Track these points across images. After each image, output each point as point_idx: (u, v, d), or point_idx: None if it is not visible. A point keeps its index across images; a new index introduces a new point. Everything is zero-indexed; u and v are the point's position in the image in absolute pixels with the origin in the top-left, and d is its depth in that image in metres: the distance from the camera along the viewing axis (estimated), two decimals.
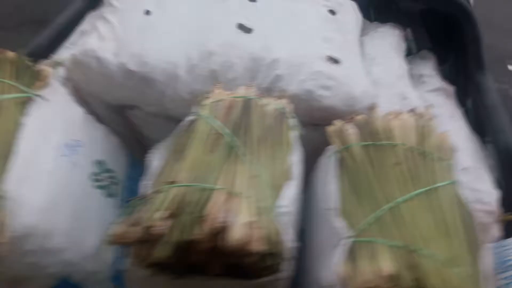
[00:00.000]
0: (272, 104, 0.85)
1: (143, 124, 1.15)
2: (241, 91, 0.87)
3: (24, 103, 0.82)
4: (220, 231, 0.59)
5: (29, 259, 0.73)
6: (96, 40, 1.07)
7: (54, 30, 1.31)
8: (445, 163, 0.82)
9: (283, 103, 0.88)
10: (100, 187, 0.94)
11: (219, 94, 0.86)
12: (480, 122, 1.30)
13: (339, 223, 0.73)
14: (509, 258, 0.87)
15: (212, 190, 0.64)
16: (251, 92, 0.87)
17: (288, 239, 0.67)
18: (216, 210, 0.61)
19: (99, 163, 0.98)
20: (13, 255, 0.70)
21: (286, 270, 0.67)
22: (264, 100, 0.86)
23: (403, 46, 1.42)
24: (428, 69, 1.41)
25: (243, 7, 1.17)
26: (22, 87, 0.83)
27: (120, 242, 0.62)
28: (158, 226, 0.59)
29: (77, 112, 0.97)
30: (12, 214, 0.69)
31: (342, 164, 0.83)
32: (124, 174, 1.06)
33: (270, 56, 1.04)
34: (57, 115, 0.89)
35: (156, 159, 0.81)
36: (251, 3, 1.18)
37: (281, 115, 0.85)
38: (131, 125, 1.17)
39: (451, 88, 1.35)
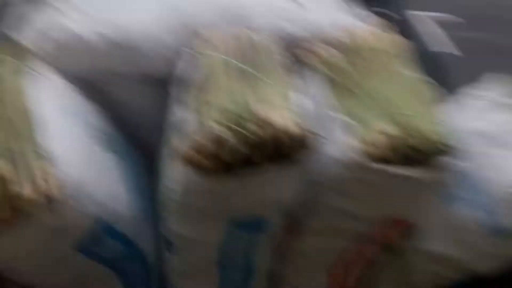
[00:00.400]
0: (259, 37, 0.98)
1: (119, 91, 1.15)
2: (232, 31, 0.97)
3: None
4: (266, 126, 0.72)
5: (76, 205, 0.77)
6: (66, 18, 1.03)
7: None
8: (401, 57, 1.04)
9: (267, 36, 1.00)
10: (103, 146, 0.98)
11: (215, 36, 0.95)
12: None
13: (335, 114, 0.91)
14: None
15: (248, 102, 0.76)
16: (243, 31, 0.98)
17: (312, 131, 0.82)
18: (259, 112, 0.73)
19: (93, 125, 1.00)
20: (62, 206, 0.74)
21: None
22: (252, 35, 0.97)
23: None
24: None
25: None
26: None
27: (193, 159, 0.71)
28: (220, 134, 0.70)
29: (63, 83, 0.97)
30: (54, 169, 0.72)
31: (320, 75, 1.00)
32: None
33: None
34: (52, 86, 0.90)
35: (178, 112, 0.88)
36: None
37: (269, 44, 0.98)
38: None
39: None
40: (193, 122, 0.75)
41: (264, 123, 0.72)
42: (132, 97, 1.18)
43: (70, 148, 0.79)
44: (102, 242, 0.84)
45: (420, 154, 0.83)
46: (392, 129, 0.82)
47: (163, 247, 0.98)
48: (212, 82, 0.82)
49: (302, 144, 0.78)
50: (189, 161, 0.73)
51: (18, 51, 0.91)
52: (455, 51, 1.78)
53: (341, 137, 0.84)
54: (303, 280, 1.18)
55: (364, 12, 1.34)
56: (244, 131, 0.71)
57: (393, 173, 0.81)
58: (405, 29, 1.53)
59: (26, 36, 1.07)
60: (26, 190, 0.64)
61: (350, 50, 1.01)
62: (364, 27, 1.08)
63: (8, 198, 0.64)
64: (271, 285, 1.19)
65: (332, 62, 1.00)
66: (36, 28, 1.05)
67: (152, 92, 1.20)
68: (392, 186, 0.85)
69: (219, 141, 0.70)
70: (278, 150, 0.76)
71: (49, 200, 0.68)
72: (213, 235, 0.87)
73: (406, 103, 0.90)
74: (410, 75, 0.99)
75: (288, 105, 0.82)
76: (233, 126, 0.71)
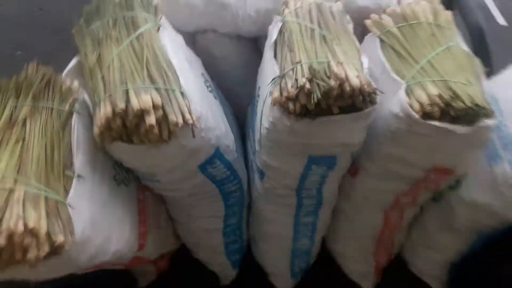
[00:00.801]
0: (334, 6, 1.20)
1: (212, 45, 1.46)
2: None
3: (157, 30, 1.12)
4: (343, 82, 0.97)
5: (202, 134, 1.07)
6: None
7: None
8: (451, 30, 1.22)
9: (339, 5, 1.23)
10: (209, 91, 1.27)
11: (294, 3, 1.19)
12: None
13: (395, 77, 1.12)
14: None
15: (328, 62, 1.00)
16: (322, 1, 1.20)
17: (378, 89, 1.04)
18: (337, 71, 0.97)
19: (202, 75, 1.30)
20: (198, 134, 1.03)
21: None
22: (328, 4, 1.20)
23: None
24: None
25: None
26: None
27: (281, 104, 0.98)
28: (307, 87, 0.95)
29: (179, 36, 1.27)
30: (184, 102, 1.00)
31: (383, 43, 1.21)
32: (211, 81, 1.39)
33: None
34: (176, 39, 1.19)
35: (266, 61, 1.15)
36: None
37: (341, 13, 1.20)
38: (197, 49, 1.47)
39: None
40: (288, 77, 1.01)
41: (342, 81, 0.96)
42: (226, 52, 1.48)
43: (196, 91, 1.08)
44: (215, 165, 1.14)
45: (466, 115, 1.03)
46: (446, 94, 1.03)
47: (255, 175, 1.28)
48: (300, 45, 1.06)
49: (370, 99, 1.02)
50: (281, 106, 0.99)
51: (150, 7, 1.16)
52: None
53: (401, 96, 1.06)
54: (360, 217, 1.44)
55: None
56: (325, 85, 0.96)
57: (442, 128, 1.02)
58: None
59: None
60: (178, 119, 0.94)
61: (412, 23, 1.20)
62: (424, 2, 1.25)
63: (166, 124, 0.95)
64: (334, 216, 1.46)
65: (394, 33, 1.20)
66: None
67: (244, 49, 1.48)
68: (441, 139, 1.06)
69: (308, 93, 0.96)
70: (350, 103, 1.00)
71: (192, 128, 0.98)
72: (295, 167, 1.14)
73: (457, 73, 1.09)
74: (458, 48, 1.17)
75: (359, 67, 1.05)
76: (320, 82, 0.96)
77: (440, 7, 1.25)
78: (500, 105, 1.30)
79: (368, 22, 1.28)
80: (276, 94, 1.00)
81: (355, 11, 1.34)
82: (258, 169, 1.23)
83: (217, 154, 1.13)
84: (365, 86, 0.97)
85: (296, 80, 0.98)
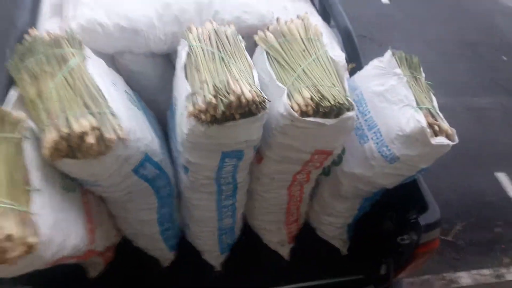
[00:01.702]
0: (228, 30, 1.50)
1: (130, 64, 1.70)
2: (209, 25, 1.49)
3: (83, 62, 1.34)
4: (239, 96, 1.27)
5: (132, 144, 1.32)
6: (88, 9, 1.55)
7: (27, 8, 1.69)
8: (320, 42, 1.59)
9: (232, 28, 1.53)
10: (134, 105, 1.52)
11: (196, 30, 1.48)
12: (327, 14, 2.13)
13: (279, 84, 1.46)
14: None
15: (227, 80, 1.30)
16: (214, 25, 1.50)
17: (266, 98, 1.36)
18: (234, 87, 1.28)
19: (125, 91, 1.54)
20: (128, 145, 1.29)
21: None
22: (223, 28, 1.50)
23: None
24: None
25: None
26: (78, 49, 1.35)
27: (195, 116, 1.27)
28: (213, 102, 1.25)
29: (101, 62, 1.50)
30: (115, 120, 1.25)
31: (268, 56, 1.54)
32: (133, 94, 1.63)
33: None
34: (98, 63, 1.43)
35: (179, 78, 1.42)
36: None
37: (234, 35, 1.51)
38: (118, 66, 1.71)
39: None
40: (198, 94, 1.29)
41: (239, 96, 1.27)
42: (143, 69, 1.73)
43: (123, 109, 1.32)
44: (146, 167, 1.41)
45: (332, 111, 1.39)
46: (316, 96, 1.38)
47: (181, 170, 1.57)
48: (204, 66, 1.34)
49: (261, 106, 1.34)
50: (195, 117, 1.28)
51: (75, 42, 1.38)
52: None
53: (284, 100, 1.39)
54: (269, 195, 1.79)
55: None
56: (226, 100, 1.26)
57: (315, 122, 1.38)
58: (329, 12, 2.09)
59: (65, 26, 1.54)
60: (112, 136, 1.18)
61: (289, 38, 1.53)
62: (297, 20, 1.59)
63: (102, 141, 1.19)
64: (249, 197, 1.80)
65: (276, 47, 1.53)
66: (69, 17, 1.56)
67: (157, 64, 1.74)
68: (316, 130, 1.41)
69: (213, 106, 1.25)
70: (247, 110, 1.32)
71: (123, 141, 1.23)
72: (213, 162, 1.44)
73: (324, 77, 1.44)
74: (325, 56, 1.52)
75: (251, 80, 1.36)
76: (222, 98, 1.26)
77: (310, 23, 1.61)
78: (364, 95, 1.71)
79: (256, 38, 1.60)
80: (191, 108, 1.28)
81: (245, 29, 1.67)
82: (182, 166, 1.52)
83: (147, 158, 1.40)
84: (256, 97, 1.29)
85: (204, 96, 1.28)
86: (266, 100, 1.34)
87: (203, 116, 1.27)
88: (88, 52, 1.42)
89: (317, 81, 1.43)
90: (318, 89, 1.40)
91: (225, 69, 1.36)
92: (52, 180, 1.24)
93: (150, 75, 1.77)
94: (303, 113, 1.37)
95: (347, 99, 1.42)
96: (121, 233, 1.77)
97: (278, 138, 1.48)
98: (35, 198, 1.12)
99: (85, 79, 1.28)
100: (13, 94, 1.32)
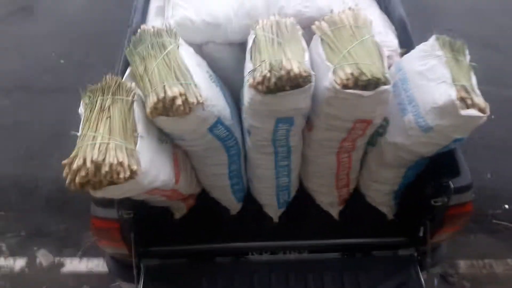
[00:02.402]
0: (287, 21, 1.86)
1: (213, 51, 2.14)
2: (272, 18, 1.86)
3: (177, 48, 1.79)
4: (289, 71, 1.62)
5: (208, 109, 1.75)
6: (182, 9, 2.01)
7: (140, 10, 2.23)
8: (367, 29, 1.86)
9: (292, 19, 1.88)
10: (213, 81, 1.95)
11: (262, 22, 1.85)
12: (386, 8, 2.37)
13: (327, 63, 1.77)
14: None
15: (281, 59, 1.66)
16: (276, 17, 1.86)
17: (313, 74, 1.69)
18: (286, 64, 1.63)
19: (207, 71, 1.98)
20: (206, 108, 1.71)
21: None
22: (283, 20, 1.86)
23: None
24: None
25: None
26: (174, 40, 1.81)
27: (256, 86, 1.64)
28: (268, 76, 1.61)
29: (190, 49, 1.95)
30: (196, 90, 1.69)
31: (322, 41, 1.86)
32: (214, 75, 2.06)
33: None
34: (188, 50, 1.88)
35: (246, 60, 1.82)
36: None
37: (293, 25, 1.86)
38: (203, 54, 2.16)
39: None
40: (257, 70, 1.67)
41: (288, 71, 1.61)
42: (222, 55, 2.15)
43: (203, 83, 1.75)
44: (218, 128, 1.83)
45: (370, 84, 1.67)
46: (356, 72, 1.67)
47: (246, 134, 1.97)
48: (264, 49, 1.72)
49: (308, 79, 1.67)
50: (254, 88, 1.66)
51: (173, 34, 1.85)
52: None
53: (330, 75, 1.70)
54: (320, 160, 2.11)
55: None
56: (279, 74, 1.62)
57: (354, 93, 1.67)
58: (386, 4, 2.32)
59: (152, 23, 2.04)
60: (194, 100, 1.62)
61: (339, 26, 1.84)
62: (348, 11, 1.88)
63: (187, 103, 1.62)
64: (304, 161, 2.14)
65: (328, 34, 1.84)
66: (172, 19, 2.03)
67: (234, 51, 2.16)
68: (356, 100, 1.70)
69: (268, 79, 1.62)
70: (296, 83, 1.66)
71: (202, 104, 1.66)
72: (269, 125, 1.81)
73: (366, 57, 1.72)
74: (370, 40, 1.80)
75: (302, 60, 1.70)
76: (274, 71, 1.62)
77: (360, 14, 1.89)
78: (407, 74, 1.94)
79: (313, 27, 1.93)
80: (251, 81, 1.67)
81: (305, 20, 2.00)
82: (247, 129, 1.91)
83: (219, 121, 1.82)
84: (303, 73, 1.63)
85: (261, 71, 1.65)
86: (312, 75, 1.67)
87: (260, 87, 1.65)
88: (181, 41, 1.87)
89: (359, 60, 1.70)
90: (358, 66, 1.68)
91: (281, 51, 1.72)
92: (152, 132, 1.72)
93: (228, 60, 2.19)
94: (345, 86, 1.67)
95: (384, 75, 1.68)
96: (200, 185, 2.23)
97: (325, 109, 1.79)
98: (139, 141, 1.59)
99: (178, 60, 1.73)
100: (128, 71, 1.82)
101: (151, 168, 1.63)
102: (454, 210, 1.84)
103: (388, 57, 2.07)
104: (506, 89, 4.20)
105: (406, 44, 2.21)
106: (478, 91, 1.79)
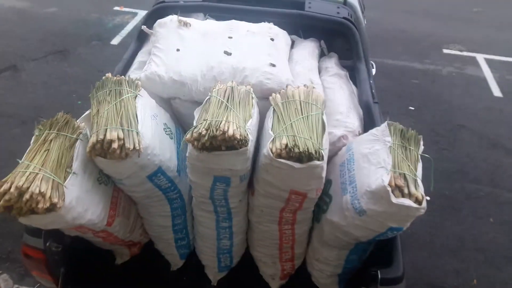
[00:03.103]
0: (242, 88, 1.96)
1: (179, 107, 2.26)
2: (229, 83, 1.97)
3: (135, 98, 1.92)
4: (224, 133, 1.69)
5: (149, 157, 1.82)
6: (155, 67, 2.18)
7: (123, 63, 2.43)
8: (316, 105, 1.92)
9: (248, 87, 1.98)
10: (167, 134, 2.04)
11: (219, 86, 1.97)
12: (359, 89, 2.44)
13: (270, 132, 1.82)
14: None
15: (221, 121, 1.73)
16: (234, 84, 1.97)
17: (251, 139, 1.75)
18: (223, 126, 1.70)
19: (165, 124, 2.08)
20: (145, 156, 1.79)
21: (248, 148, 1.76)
22: (239, 87, 1.96)
23: (317, 51, 2.54)
24: (331, 63, 2.53)
25: (226, 42, 2.28)
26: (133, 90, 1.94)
27: (192, 142, 1.71)
28: (202, 134, 1.69)
29: (152, 101, 2.08)
30: (137, 137, 1.77)
31: (274, 112, 1.93)
32: (174, 129, 2.16)
33: (241, 65, 2.15)
34: (147, 102, 2.00)
35: (196, 115, 1.91)
36: (229, 39, 2.29)
37: (247, 92, 1.95)
38: (172, 108, 2.29)
39: (342, 72, 2.47)
40: (197, 128, 1.75)
41: (224, 132, 1.68)
42: (188, 111, 2.25)
43: (150, 132, 1.84)
44: (159, 178, 1.88)
45: (304, 157, 1.69)
46: (290, 143, 1.71)
47: (189, 189, 2.00)
48: (211, 110, 1.81)
49: (243, 143, 1.72)
50: (191, 143, 1.73)
51: (133, 84, 2.00)
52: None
53: (268, 144, 1.75)
54: (262, 227, 2.08)
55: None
56: (213, 134, 1.68)
57: (285, 163, 1.69)
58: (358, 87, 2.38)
59: (132, 75, 2.21)
60: (131, 146, 1.70)
61: (290, 100, 1.91)
62: (302, 88, 1.96)
63: (124, 150, 1.71)
64: (249, 228, 2.12)
65: (279, 105, 1.91)
66: (143, 72, 2.20)
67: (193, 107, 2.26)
68: (289, 171, 1.72)
69: (203, 136, 1.69)
70: (232, 145, 1.71)
71: (140, 152, 1.74)
72: (206, 182, 1.84)
73: (305, 131, 1.76)
74: (317, 116, 1.85)
75: (243, 125, 1.77)
76: (210, 131, 1.69)
77: (313, 91, 1.96)
78: (354, 155, 1.95)
79: (270, 98, 2.01)
80: (188, 136, 1.74)
81: (266, 90, 2.10)
82: (189, 184, 1.95)
83: (160, 171, 1.88)
84: (237, 136, 1.69)
85: (199, 129, 1.73)
86: (249, 140, 1.72)
87: (196, 143, 1.72)
88: (143, 93, 2.01)
89: (298, 133, 1.75)
90: (295, 138, 1.73)
91: (226, 114, 1.80)
92: (89, 171, 1.80)
93: (193, 116, 2.29)
94: (279, 156, 1.70)
95: (319, 151, 1.70)
96: (147, 235, 2.25)
97: (263, 174, 1.82)
98: (70, 177, 1.67)
99: (129, 108, 1.85)
100: (86, 113, 1.96)
101: (77, 205, 1.69)
102: None
103: (343, 136, 2.12)
104: (509, 192, 4.03)
105: (371, 127, 2.23)
106: (420, 183, 1.75)
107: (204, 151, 1.72)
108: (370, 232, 1.83)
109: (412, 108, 5.06)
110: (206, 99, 1.94)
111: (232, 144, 1.70)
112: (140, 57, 2.48)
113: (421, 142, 1.93)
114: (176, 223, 2.12)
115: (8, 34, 5.76)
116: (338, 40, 2.61)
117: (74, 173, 1.71)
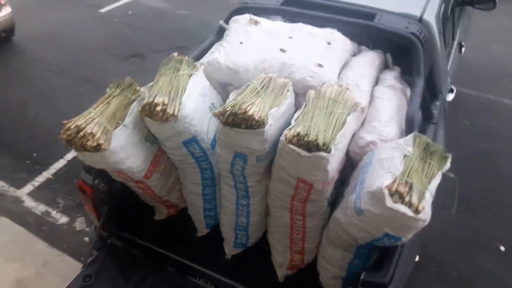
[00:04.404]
0: (280, 80, 2.13)
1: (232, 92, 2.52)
2: (271, 75, 2.16)
3: (189, 76, 2.24)
4: (244, 113, 1.88)
5: (185, 124, 2.10)
6: (218, 54, 2.48)
7: (199, 50, 2.78)
8: (343, 104, 1.98)
9: (287, 80, 2.14)
10: (211, 111, 2.30)
11: (262, 76, 2.17)
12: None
13: (292, 121, 1.95)
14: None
15: (246, 103, 1.93)
16: (274, 75, 2.15)
17: (271, 123, 1.91)
18: (245, 106, 1.90)
19: (212, 103, 2.35)
20: (183, 122, 2.08)
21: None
22: (278, 79, 2.13)
23: (377, 61, 2.56)
24: (390, 75, 2.52)
25: (285, 41, 2.47)
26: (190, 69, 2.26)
27: (218, 116, 1.95)
28: (227, 110, 1.90)
29: (206, 82, 2.37)
30: (179, 106, 2.07)
31: (306, 105, 2.05)
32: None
33: (291, 62, 2.32)
34: (199, 81, 2.30)
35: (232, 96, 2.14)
36: (289, 39, 2.48)
37: (283, 84, 2.11)
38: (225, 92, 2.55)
39: (399, 86, 2.45)
40: (226, 105, 1.97)
41: (245, 111, 1.87)
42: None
43: (193, 105, 2.12)
44: (193, 145, 2.16)
45: (313, 146, 1.79)
46: (303, 132, 1.82)
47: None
48: (243, 94, 2.01)
49: (261, 125, 1.89)
50: (218, 118, 1.96)
51: (191, 65, 2.32)
52: None
53: (286, 130, 1.89)
54: (277, 213, 2.19)
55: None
56: (236, 112, 1.88)
57: (293, 149, 1.81)
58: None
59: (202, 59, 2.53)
60: (170, 111, 2.01)
61: (320, 96, 2.01)
62: (336, 87, 2.05)
63: (165, 115, 2.02)
64: (268, 213, 2.26)
65: (311, 100, 2.03)
66: (207, 58, 2.50)
67: None
68: (296, 157, 1.82)
69: (226, 112, 1.90)
70: (250, 124, 1.89)
71: (175, 118, 2.03)
72: (228, 156, 2.05)
73: (322, 124, 1.85)
74: (341, 116, 1.92)
75: (266, 109, 1.93)
76: (234, 110, 1.90)
77: (346, 91, 2.03)
78: (373, 160, 1.95)
79: (307, 93, 2.14)
80: (217, 111, 1.98)
81: (307, 87, 2.22)
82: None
83: (194, 140, 2.15)
84: (256, 117, 1.87)
85: (227, 106, 1.95)
86: (267, 122, 1.88)
87: (221, 118, 1.94)
88: (198, 73, 2.31)
89: (315, 125, 1.85)
90: (309, 129, 1.83)
91: (254, 98, 1.99)
92: (139, 128, 2.16)
93: None
94: (290, 142, 1.83)
95: (327, 144, 1.79)
96: (184, 201, 2.54)
97: (278, 159, 1.96)
98: (120, 128, 2.05)
99: (181, 83, 2.17)
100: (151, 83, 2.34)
101: (120, 151, 2.05)
102: None
103: (372, 142, 2.12)
104: None
105: None
106: (428, 196, 1.70)
107: (227, 126, 1.94)
108: (367, 235, 1.82)
109: None
110: (246, 85, 2.15)
111: (251, 124, 1.88)
112: (214, 48, 2.81)
113: (448, 160, 1.86)
114: (206, 193, 2.37)
115: (144, 28, 6.77)
116: (408, 56, 2.58)
117: (124, 125, 2.08)
